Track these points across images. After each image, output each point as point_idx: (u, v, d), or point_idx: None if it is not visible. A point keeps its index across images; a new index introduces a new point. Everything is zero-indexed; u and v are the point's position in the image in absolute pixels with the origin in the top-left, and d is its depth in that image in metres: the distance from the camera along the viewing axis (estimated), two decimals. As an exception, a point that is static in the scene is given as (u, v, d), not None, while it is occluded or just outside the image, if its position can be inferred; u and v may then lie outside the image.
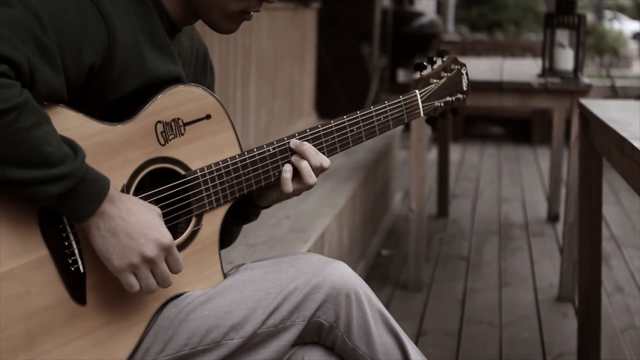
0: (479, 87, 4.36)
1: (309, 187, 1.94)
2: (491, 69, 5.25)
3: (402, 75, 9.40)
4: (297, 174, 1.93)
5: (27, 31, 1.55)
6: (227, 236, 2.05)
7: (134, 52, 1.73)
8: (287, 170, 1.92)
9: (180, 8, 1.85)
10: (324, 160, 1.95)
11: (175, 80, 1.82)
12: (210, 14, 1.85)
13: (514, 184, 7.43)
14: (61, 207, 1.61)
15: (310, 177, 1.92)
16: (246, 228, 2.14)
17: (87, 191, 1.60)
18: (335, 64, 7.33)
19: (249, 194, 1.95)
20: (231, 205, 1.96)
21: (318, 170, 1.94)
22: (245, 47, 4.89)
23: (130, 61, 1.72)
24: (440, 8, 13.00)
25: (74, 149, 1.60)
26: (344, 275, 1.84)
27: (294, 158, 1.93)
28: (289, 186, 1.92)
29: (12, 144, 1.51)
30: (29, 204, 1.59)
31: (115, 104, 1.74)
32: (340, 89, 7.29)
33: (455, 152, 8.56)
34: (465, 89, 2.20)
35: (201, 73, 2.05)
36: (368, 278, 4.57)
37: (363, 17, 7.64)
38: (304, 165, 1.92)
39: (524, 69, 5.30)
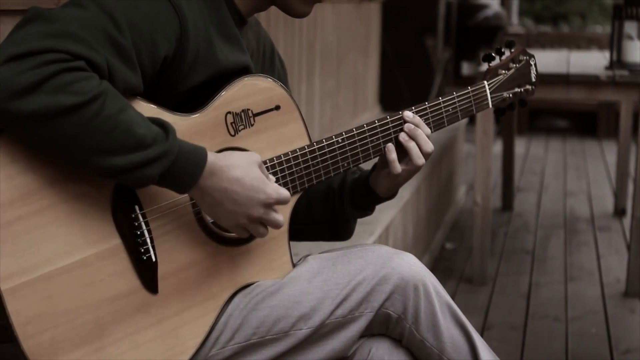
0: (546, 79, 4.32)
1: (418, 167, 1.94)
2: (557, 61, 5.20)
3: (466, 68, 9.33)
4: (403, 156, 1.94)
5: (102, 32, 1.57)
6: (343, 230, 2.07)
7: (205, 42, 1.74)
8: (391, 152, 1.93)
9: None
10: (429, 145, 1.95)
11: (244, 70, 1.83)
12: None
13: (579, 177, 7.34)
14: (163, 184, 1.64)
15: (419, 158, 1.93)
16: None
17: (186, 164, 1.62)
18: (399, 56, 7.29)
19: (366, 184, 1.98)
20: (349, 195, 1.99)
21: (428, 155, 1.95)
22: (310, 40, 4.90)
23: (201, 51, 1.74)
24: (505, 0, 12.87)
25: (163, 127, 1.62)
26: (412, 267, 1.84)
27: (402, 137, 1.93)
28: (397, 168, 1.92)
29: (104, 132, 1.53)
30: (134, 187, 1.63)
31: (185, 95, 1.76)
32: (404, 82, 7.25)
33: (519, 145, 8.48)
34: (533, 80, 2.18)
35: (269, 69, 2.05)
36: (432, 271, 4.51)
37: (427, 9, 7.60)
38: (412, 145, 1.93)
39: (591, 61, 5.24)
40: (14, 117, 1.49)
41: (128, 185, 1.62)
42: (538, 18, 16.86)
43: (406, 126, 1.94)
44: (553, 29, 14.31)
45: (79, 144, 1.53)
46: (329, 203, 2.03)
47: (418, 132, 1.93)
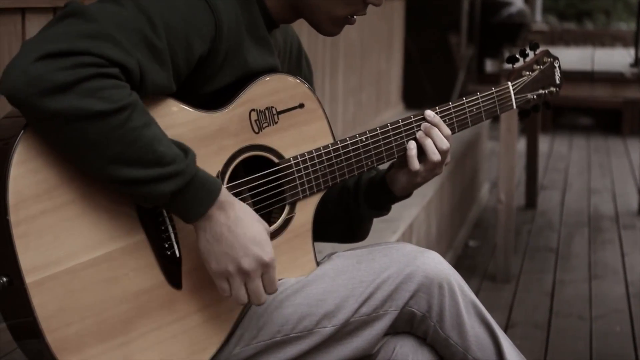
0: (570, 77, 4.30)
1: (434, 164, 1.93)
2: (582, 58, 5.18)
3: (489, 66, 9.31)
4: (422, 154, 1.93)
5: (138, 33, 1.57)
6: (358, 231, 2.06)
7: (235, 45, 1.74)
8: (412, 148, 1.92)
9: (281, 7, 1.85)
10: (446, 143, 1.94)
11: (271, 72, 1.82)
12: (315, 17, 1.85)
13: (603, 175, 7.31)
14: (172, 206, 1.62)
15: (433, 154, 1.92)
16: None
17: (198, 192, 1.60)
18: (422, 54, 7.28)
19: (382, 182, 1.97)
20: (365, 194, 1.98)
21: (444, 153, 1.93)
22: (333, 38, 4.88)
23: (230, 53, 1.73)
24: (528, -3, 12.82)
25: (184, 150, 1.61)
26: (437, 265, 1.84)
27: (419, 134, 1.93)
28: (415, 164, 1.91)
29: (126, 143, 1.53)
30: (143, 203, 1.61)
31: (209, 97, 1.75)
32: (428, 79, 7.24)
33: (543, 143, 8.44)
34: (558, 82, 2.18)
35: (295, 68, 2.05)
36: (456, 269, 4.52)
37: (451, 7, 7.58)
38: (428, 142, 1.92)
39: (616, 58, 5.22)
40: (42, 113, 1.49)
41: (138, 199, 1.61)
42: (562, 15, 16.79)
43: (423, 125, 1.94)
44: (577, 26, 14.26)
45: (98, 151, 1.52)
46: (343, 203, 2.03)
47: (434, 130, 1.93)
